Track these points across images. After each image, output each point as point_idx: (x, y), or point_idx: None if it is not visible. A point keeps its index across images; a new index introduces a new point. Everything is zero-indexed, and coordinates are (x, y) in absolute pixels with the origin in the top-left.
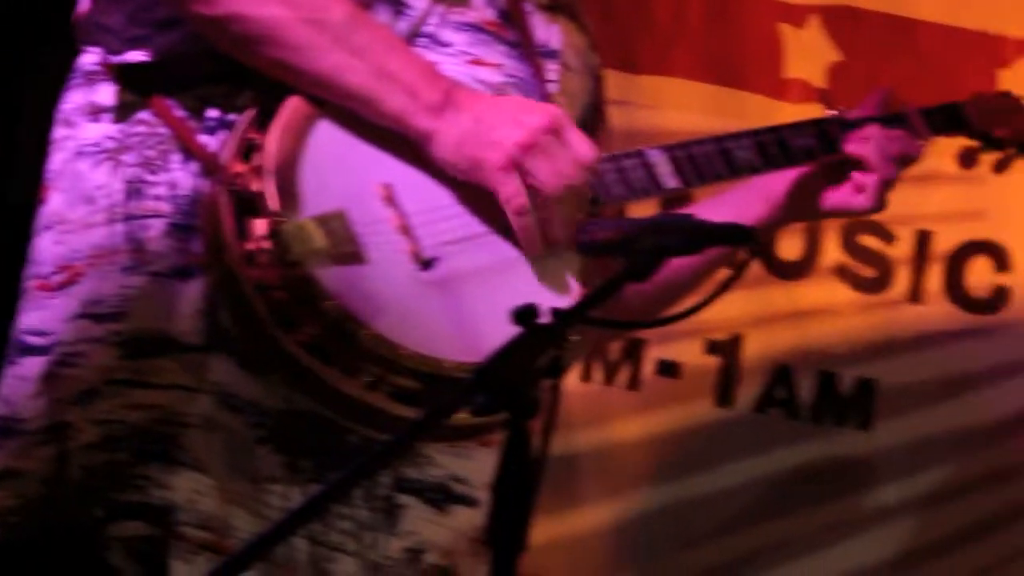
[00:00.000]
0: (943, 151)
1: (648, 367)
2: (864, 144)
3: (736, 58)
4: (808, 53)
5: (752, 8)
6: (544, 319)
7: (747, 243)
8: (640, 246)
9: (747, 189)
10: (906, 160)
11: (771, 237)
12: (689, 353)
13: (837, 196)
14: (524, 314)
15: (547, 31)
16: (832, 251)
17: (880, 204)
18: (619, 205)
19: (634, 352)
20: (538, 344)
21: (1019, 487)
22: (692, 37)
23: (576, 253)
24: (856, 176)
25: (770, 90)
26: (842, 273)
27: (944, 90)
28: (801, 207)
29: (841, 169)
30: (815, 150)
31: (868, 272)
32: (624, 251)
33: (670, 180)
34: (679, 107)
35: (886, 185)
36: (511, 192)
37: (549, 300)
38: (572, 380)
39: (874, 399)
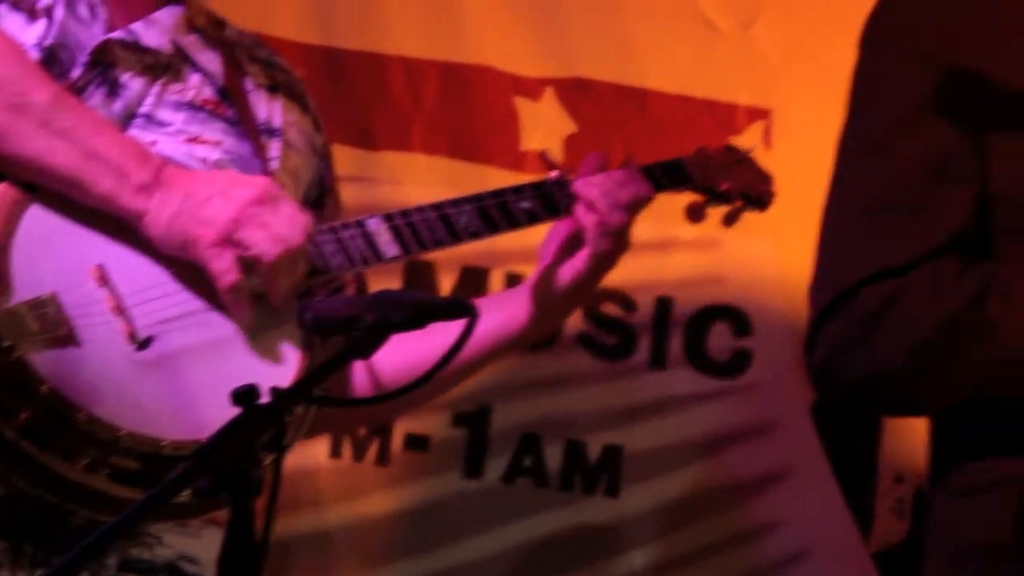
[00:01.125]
0: (680, 217)
1: (397, 441)
2: (591, 190)
3: (474, 132)
4: (544, 125)
5: (488, 82)
6: (264, 399)
7: (466, 316)
8: (364, 323)
9: (516, 289)
10: (636, 203)
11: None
12: (437, 426)
13: (577, 259)
14: (243, 395)
15: (268, 109)
16: (575, 320)
17: (616, 248)
18: (341, 276)
19: (383, 427)
20: (259, 423)
21: (764, 547)
22: (429, 112)
23: (298, 327)
24: (588, 233)
25: (509, 163)
26: (585, 342)
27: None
28: (557, 292)
29: (575, 242)
30: (538, 213)
31: (610, 340)
32: (348, 328)
33: (390, 248)
34: (419, 182)
35: (619, 232)
36: (222, 268)
37: (270, 375)
38: (322, 457)
39: (621, 465)
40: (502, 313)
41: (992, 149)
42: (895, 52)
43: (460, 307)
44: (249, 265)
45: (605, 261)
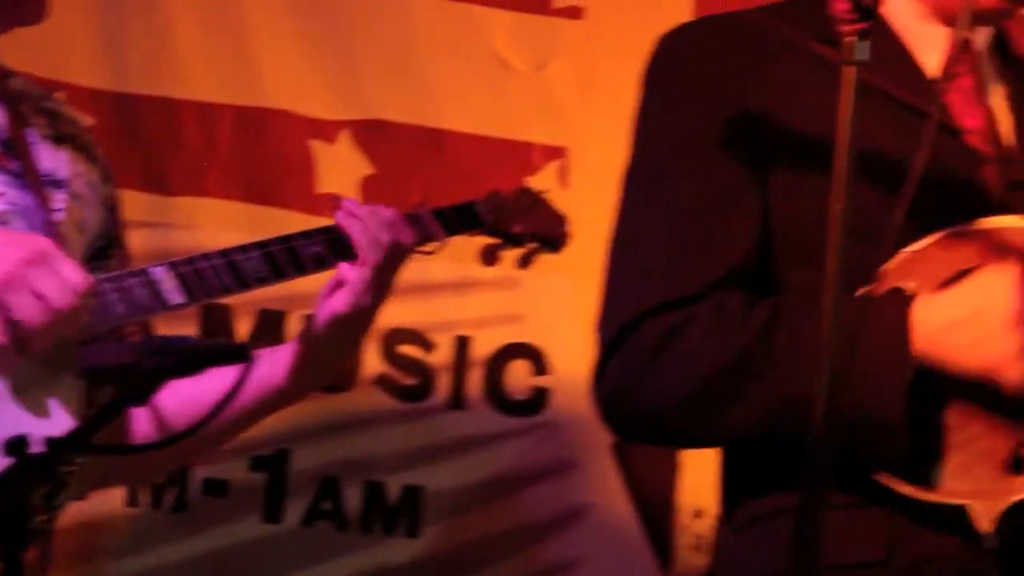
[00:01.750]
0: (475, 257)
1: (195, 487)
2: (353, 223)
3: (269, 176)
4: (340, 167)
5: (282, 126)
6: (37, 448)
7: (241, 360)
8: (140, 370)
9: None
10: (398, 250)
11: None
12: (235, 470)
13: (336, 299)
14: (14, 445)
15: (54, 160)
16: (373, 362)
17: (376, 285)
18: (124, 324)
19: (180, 473)
20: (32, 474)
21: None
22: (224, 156)
23: (77, 378)
24: (344, 271)
25: (305, 206)
26: (384, 383)
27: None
28: (319, 336)
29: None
30: (327, 257)
31: (409, 380)
32: (124, 376)
33: (175, 296)
34: (216, 227)
35: (379, 272)
36: None
37: (46, 425)
38: (118, 505)
39: (421, 506)
40: (269, 362)
41: (773, 184)
42: (677, 89)
43: (234, 352)
44: (14, 327)
45: (367, 299)
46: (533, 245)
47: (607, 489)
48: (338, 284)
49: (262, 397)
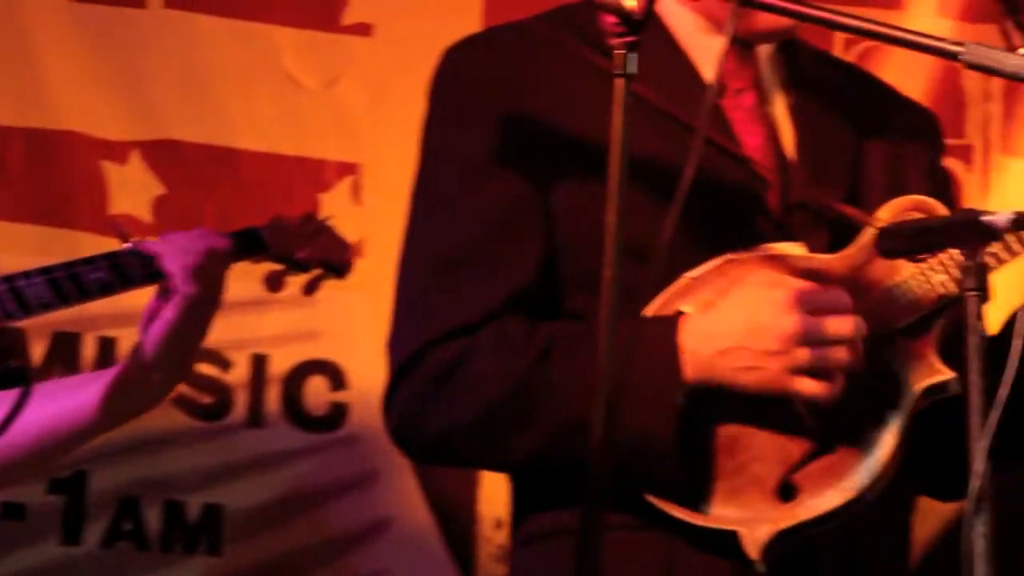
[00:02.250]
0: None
1: None
2: (169, 242)
3: (61, 198)
4: (132, 188)
5: (73, 147)
6: None
7: (21, 382)
8: None
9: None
10: (215, 254)
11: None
12: (32, 493)
13: (167, 311)
14: None
15: None
16: None
17: (207, 292)
18: None
19: None
20: None
21: None
22: (14, 179)
23: None
24: (175, 279)
25: (98, 228)
26: (181, 402)
27: (268, 217)
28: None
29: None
30: (111, 283)
31: (206, 399)
32: None
33: None
34: (6, 250)
35: (204, 275)
36: None
37: None
38: None
39: (222, 524)
40: (79, 390)
41: (557, 201)
42: (461, 106)
43: (11, 373)
44: None
45: (197, 308)
46: (318, 271)
47: (408, 502)
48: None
49: (70, 427)
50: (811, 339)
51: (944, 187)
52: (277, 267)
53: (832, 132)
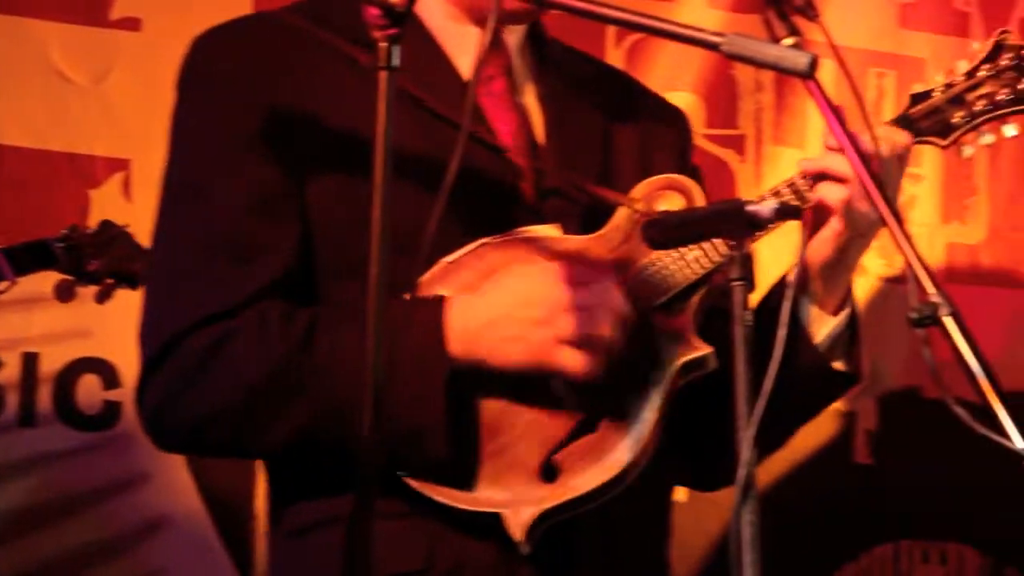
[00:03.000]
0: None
1: None
2: None
3: None
4: None
5: None
6: None
7: None
8: None
9: None
10: None
11: None
12: None
13: None
14: None
15: None
16: None
17: None
18: None
19: None
20: None
21: None
22: None
23: None
24: None
25: None
26: None
27: (38, 216)
28: None
29: None
30: None
31: None
32: None
33: None
34: None
35: None
36: None
37: None
38: None
39: None
40: None
41: (311, 190)
42: (211, 94)
43: None
44: None
45: None
46: (111, 281)
47: (183, 499)
48: None
49: None
50: (578, 308)
51: (693, 178)
52: (67, 278)
53: (582, 119)
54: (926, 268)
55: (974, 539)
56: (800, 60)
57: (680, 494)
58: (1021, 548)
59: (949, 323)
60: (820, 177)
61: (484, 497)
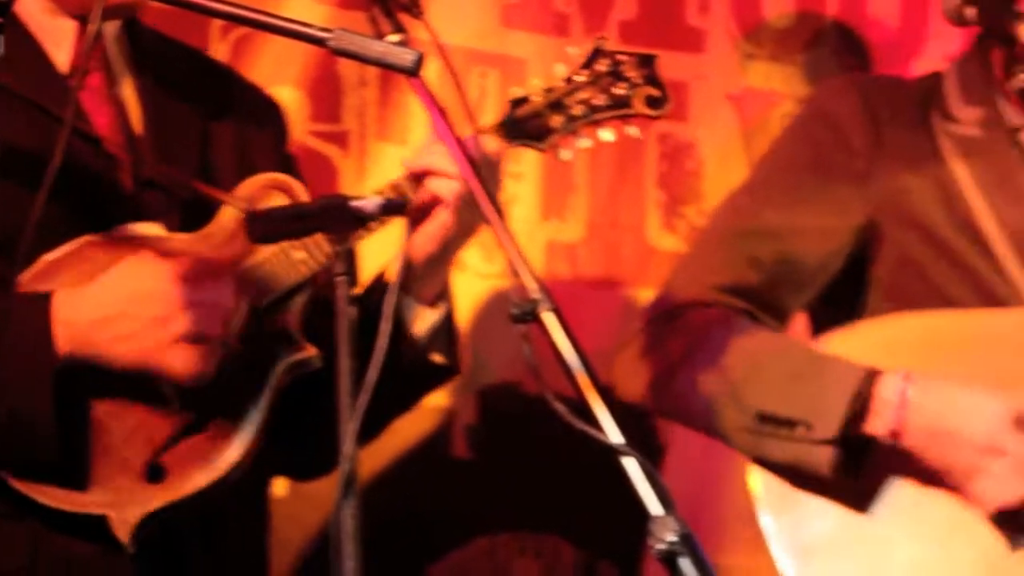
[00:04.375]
0: None
1: None
2: None
3: None
4: None
5: None
6: None
7: None
8: None
9: None
10: None
11: None
12: None
13: None
14: None
15: None
16: None
17: None
18: None
19: None
20: None
21: None
22: None
23: None
24: None
25: None
26: None
27: None
28: None
29: None
30: None
31: None
32: None
33: None
34: None
35: None
36: None
37: None
38: None
39: None
40: None
41: None
42: None
43: None
44: None
45: None
46: None
47: None
48: None
49: None
50: (192, 306)
51: (290, 170)
52: None
53: (179, 113)
54: (527, 265)
55: (571, 533)
56: (406, 57)
57: (280, 489)
58: (616, 542)
59: (549, 319)
60: (423, 175)
61: (90, 499)
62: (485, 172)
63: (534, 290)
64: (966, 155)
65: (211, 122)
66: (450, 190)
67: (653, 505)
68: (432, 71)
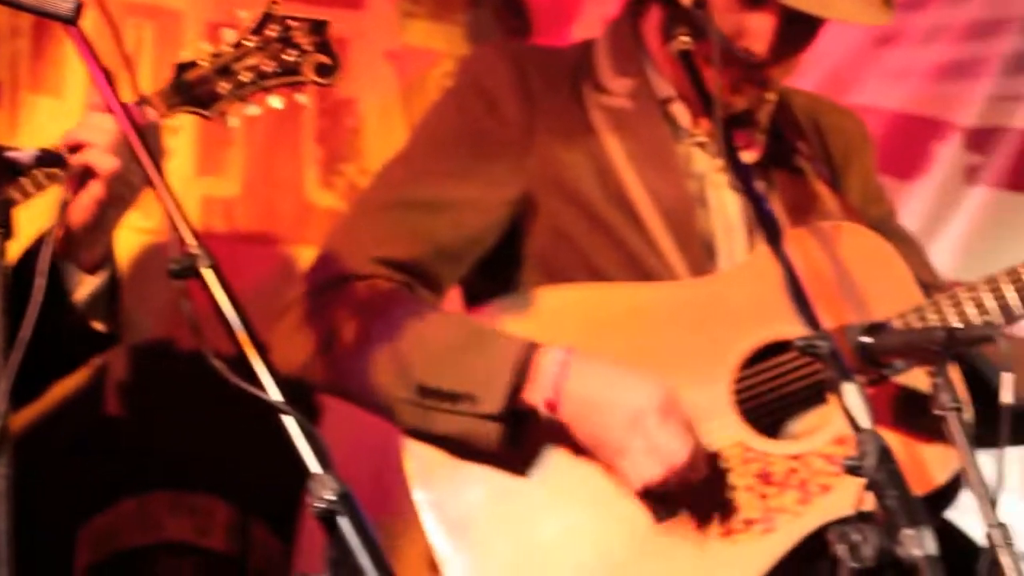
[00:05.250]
0: None
1: None
2: None
3: None
4: None
5: None
6: None
7: None
8: None
9: None
10: None
11: None
12: None
13: None
14: None
15: None
16: None
17: None
18: None
19: None
20: None
21: None
22: None
23: None
24: None
25: None
26: None
27: None
28: None
29: None
30: None
31: None
32: None
33: None
34: None
35: None
36: None
37: None
38: None
39: None
40: None
41: None
42: None
43: None
44: None
45: None
46: None
47: None
48: None
49: None
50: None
51: None
52: None
53: None
54: (186, 221)
55: (223, 490)
56: (63, 5)
57: None
58: (267, 499)
59: (208, 275)
60: (80, 148)
61: None
62: (148, 137)
63: (193, 246)
64: (617, 127)
65: None
66: (108, 166)
67: (312, 463)
68: (89, 24)
